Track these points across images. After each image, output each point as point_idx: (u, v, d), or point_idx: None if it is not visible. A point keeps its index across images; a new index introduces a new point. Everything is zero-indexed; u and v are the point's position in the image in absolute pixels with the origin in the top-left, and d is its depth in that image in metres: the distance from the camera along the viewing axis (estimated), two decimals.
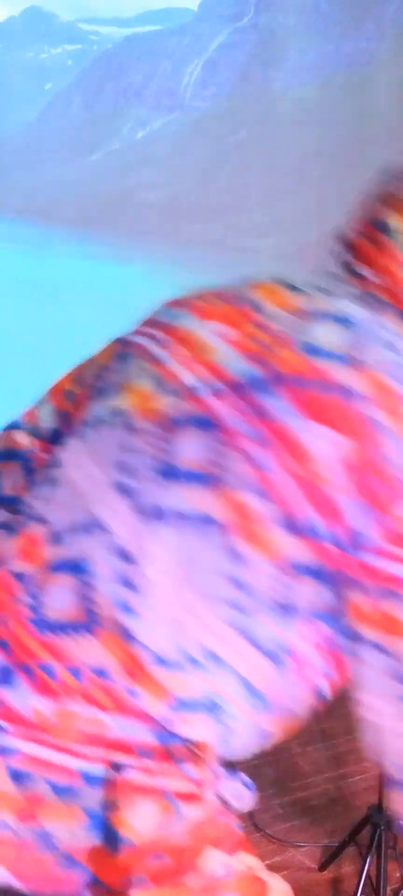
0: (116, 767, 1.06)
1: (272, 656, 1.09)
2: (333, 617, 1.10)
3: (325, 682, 1.18)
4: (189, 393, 1.12)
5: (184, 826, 1.08)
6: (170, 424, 1.10)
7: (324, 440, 1.05)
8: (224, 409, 1.09)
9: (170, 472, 1.09)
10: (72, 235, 6.13)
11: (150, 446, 1.10)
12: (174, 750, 1.07)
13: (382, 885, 2.53)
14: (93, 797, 1.06)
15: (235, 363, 1.12)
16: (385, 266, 1.25)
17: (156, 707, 1.06)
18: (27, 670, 1.06)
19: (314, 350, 1.10)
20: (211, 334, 1.16)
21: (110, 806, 1.06)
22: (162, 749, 1.07)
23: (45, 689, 1.05)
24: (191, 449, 1.08)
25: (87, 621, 1.07)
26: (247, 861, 1.22)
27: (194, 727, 1.08)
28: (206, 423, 1.09)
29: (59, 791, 1.06)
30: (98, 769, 1.05)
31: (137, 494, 1.09)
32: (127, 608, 1.06)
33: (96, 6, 6.34)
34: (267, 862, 2.95)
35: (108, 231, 6.25)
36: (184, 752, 1.08)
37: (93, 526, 1.10)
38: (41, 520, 1.15)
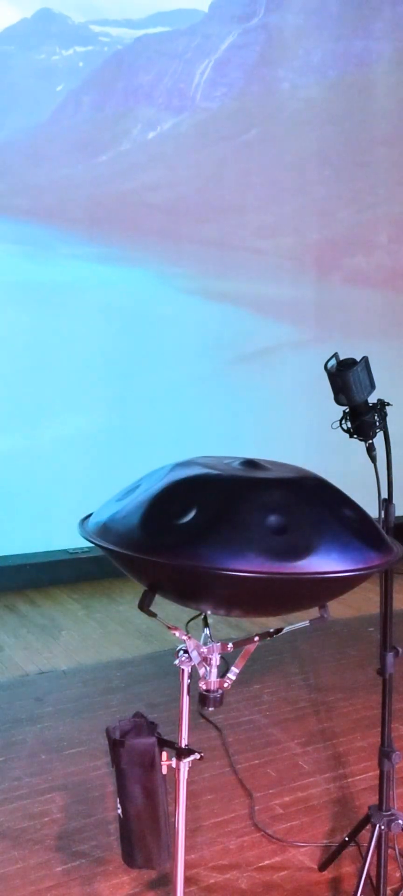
0: None
1: None
2: None
3: None
4: None
5: None
6: None
7: None
8: None
9: None
10: (80, 236, 6.14)
11: None
12: None
13: (382, 885, 2.53)
14: None
15: None
16: None
17: None
18: None
19: None
20: None
21: None
22: None
23: None
24: None
25: None
26: None
27: None
28: None
29: None
30: None
31: None
32: None
33: (107, 8, 6.35)
34: (266, 862, 2.97)
35: (117, 232, 6.26)
36: None
37: None
38: None
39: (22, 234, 6.02)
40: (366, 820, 2.57)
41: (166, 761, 1.97)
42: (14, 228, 5.96)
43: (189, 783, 2.02)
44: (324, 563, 1.71)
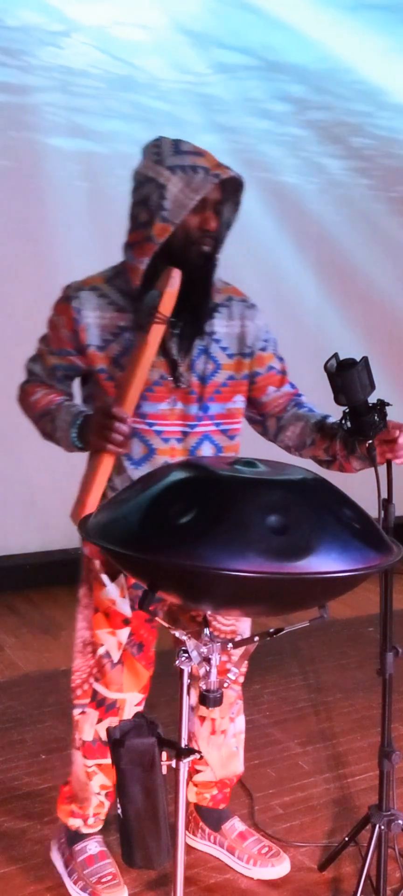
0: None
1: None
2: None
3: None
4: None
5: None
6: None
7: None
8: None
9: None
10: None
11: None
12: None
13: (382, 885, 2.53)
14: None
15: None
16: None
17: None
18: None
19: None
20: None
21: None
22: None
23: None
24: None
25: None
26: None
27: None
28: None
29: None
30: None
31: None
32: None
33: None
34: None
35: None
36: None
37: None
38: None
39: None
40: (366, 820, 2.57)
41: (166, 761, 1.97)
42: None
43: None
44: (324, 563, 1.70)
